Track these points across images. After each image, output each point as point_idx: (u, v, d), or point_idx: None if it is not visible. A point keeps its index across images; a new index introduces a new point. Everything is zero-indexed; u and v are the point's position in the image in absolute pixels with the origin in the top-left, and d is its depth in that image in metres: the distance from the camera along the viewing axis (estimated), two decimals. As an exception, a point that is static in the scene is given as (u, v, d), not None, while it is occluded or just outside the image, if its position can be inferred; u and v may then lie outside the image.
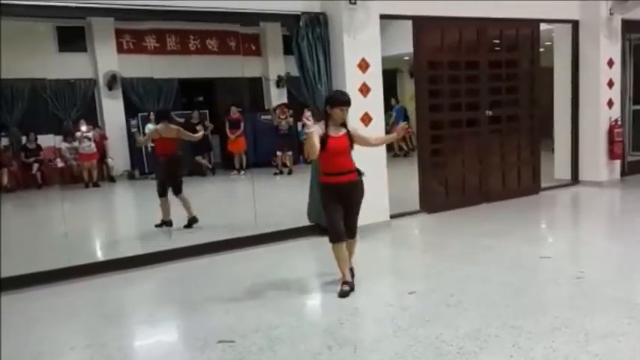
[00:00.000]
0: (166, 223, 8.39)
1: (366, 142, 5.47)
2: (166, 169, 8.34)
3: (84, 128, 12.37)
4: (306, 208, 7.79)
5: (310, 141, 5.05)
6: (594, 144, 10.16)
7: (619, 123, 10.21)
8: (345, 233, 5.25)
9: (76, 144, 12.52)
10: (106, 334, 4.70)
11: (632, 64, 11.55)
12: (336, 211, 5.19)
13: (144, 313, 5.24)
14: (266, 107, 16.30)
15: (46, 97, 12.77)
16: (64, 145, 12.80)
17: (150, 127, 12.22)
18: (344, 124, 5.20)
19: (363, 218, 7.52)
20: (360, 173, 5.28)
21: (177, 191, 8.30)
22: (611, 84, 10.08)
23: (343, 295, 5.14)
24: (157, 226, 8.39)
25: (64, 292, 5.88)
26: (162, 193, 8.29)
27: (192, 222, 8.35)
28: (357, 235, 5.49)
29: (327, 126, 5.16)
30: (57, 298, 5.72)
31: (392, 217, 7.98)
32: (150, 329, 4.91)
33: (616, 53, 10.13)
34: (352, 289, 5.24)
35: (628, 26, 10.21)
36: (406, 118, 15.37)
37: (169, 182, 8.30)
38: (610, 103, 10.13)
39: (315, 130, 5.11)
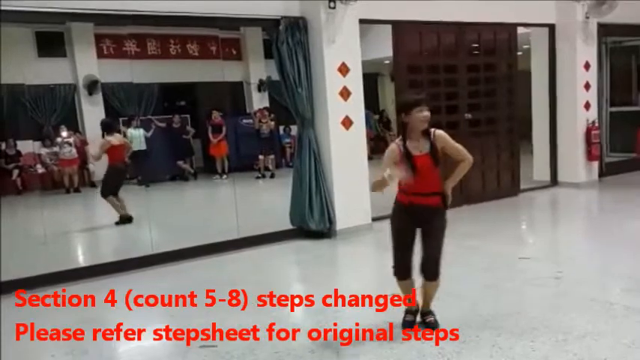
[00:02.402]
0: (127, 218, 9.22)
1: (458, 155, 4.17)
2: (118, 174, 9.35)
3: (64, 134, 12.29)
4: (289, 212, 7.81)
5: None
6: (572, 146, 10.28)
7: (596, 125, 10.33)
8: (421, 272, 4.23)
9: (56, 149, 12.43)
10: (86, 340, 4.68)
11: (609, 67, 11.74)
12: (403, 239, 4.23)
13: (125, 318, 5.22)
14: (248, 111, 16.32)
15: (25, 102, 12.67)
16: (44, 151, 12.71)
17: (132, 131, 12.28)
18: (426, 134, 4.08)
19: (345, 221, 7.67)
20: (444, 198, 4.18)
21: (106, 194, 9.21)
22: (587, 86, 10.20)
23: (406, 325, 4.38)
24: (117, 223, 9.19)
25: (45, 299, 5.83)
26: (106, 194, 9.19)
27: (125, 220, 9.22)
28: (439, 277, 4.28)
29: (405, 141, 4.07)
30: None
31: (373, 219, 8.01)
32: (131, 335, 4.89)
33: (592, 56, 10.25)
34: (413, 323, 4.42)
35: (604, 30, 10.33)
36: (367, 123, 15.24)
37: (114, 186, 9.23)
38: (587, 106, 10.25)
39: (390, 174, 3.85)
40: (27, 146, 12.59)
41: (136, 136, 12.31)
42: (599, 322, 4.31)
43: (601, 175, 10.72)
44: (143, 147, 12.46)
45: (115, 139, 9.27)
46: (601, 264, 6.06)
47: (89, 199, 12.61)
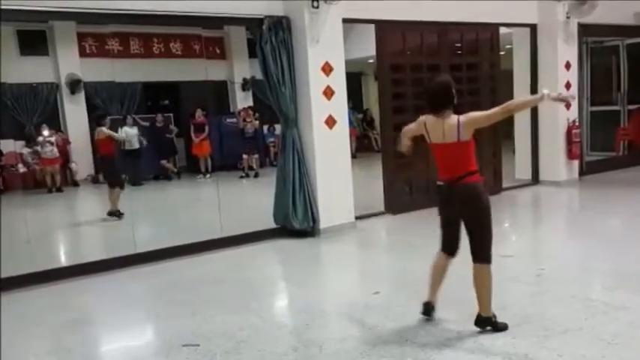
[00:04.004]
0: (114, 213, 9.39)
1: None
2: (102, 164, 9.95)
3: (46, 133, 12.20)
4: (272, 210, 7.82)
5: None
6: (553, 145, 10.38)
7: (577, 124, 10.44)
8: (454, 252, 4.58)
9: (38, 148, 12.35)
10: (69, 340, 4.67)
11: (589, 67, 11.86)
12: None
13: (108, 318, 5.20)
14: (232, 110, 16.29)
15: (6, 101, 12.56)
16: (26, 150, 12.62)
17: (127, 130, 12.19)
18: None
19: (329, 220, 7.69)
20: None
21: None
22: (568, 86, 10.29)
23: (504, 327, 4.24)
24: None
25: (27, 299, 5.80)
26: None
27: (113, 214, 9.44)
28: None
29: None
30: (19, 305, 5.63)
31: (357, 218, 8.04)
32: (114, 334, 4.88)
33: (573, 56, 10.36)
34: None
35: (584, 30, 10.45)
36: (350, 122, 15.25)
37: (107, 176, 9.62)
38: (568, 105, 10.32)
39: None
40: (8, 145, 12.49)
41: (131, 135, 12.21)
42: (579, 319, 4.36)
43: (581, 173, 10.84)
44: (136, 145, 12.30)
45: (97, 133, 9.46)
46: (582, 261, 6.13)
47: (71, 199, 12.55)
